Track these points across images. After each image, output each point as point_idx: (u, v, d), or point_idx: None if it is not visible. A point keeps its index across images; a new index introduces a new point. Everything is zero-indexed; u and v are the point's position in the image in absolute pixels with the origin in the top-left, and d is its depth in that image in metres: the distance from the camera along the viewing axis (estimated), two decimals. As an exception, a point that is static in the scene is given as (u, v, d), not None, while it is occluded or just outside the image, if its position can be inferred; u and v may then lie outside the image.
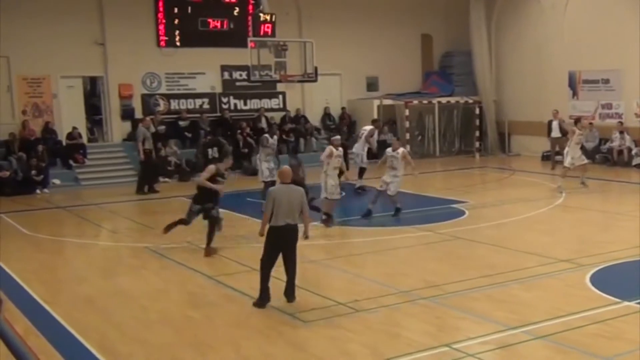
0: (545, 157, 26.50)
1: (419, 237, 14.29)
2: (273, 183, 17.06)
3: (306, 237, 10.25)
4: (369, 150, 20.56)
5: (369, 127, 20.75)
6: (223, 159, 14.67)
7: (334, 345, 8.37)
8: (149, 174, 21.83)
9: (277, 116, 27.92)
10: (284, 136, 27.25)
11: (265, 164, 17.94)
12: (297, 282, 10.02)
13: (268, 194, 10.08)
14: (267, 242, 9.87)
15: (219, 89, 27.24)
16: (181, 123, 26.01)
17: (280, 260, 9.93)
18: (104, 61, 25.12)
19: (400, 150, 16.28)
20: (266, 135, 18.98)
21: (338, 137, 16.61)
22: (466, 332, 8.70)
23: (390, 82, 29.78)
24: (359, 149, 20.19)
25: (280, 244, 9.82)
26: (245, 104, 27.67)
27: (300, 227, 10.10)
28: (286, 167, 10.49)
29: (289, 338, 8.72)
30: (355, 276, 11.65)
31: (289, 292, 9.96)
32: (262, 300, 9.84)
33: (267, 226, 9.88)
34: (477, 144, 29.77)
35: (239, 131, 25.99)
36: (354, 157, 20.47)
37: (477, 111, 29.78)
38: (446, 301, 9.91)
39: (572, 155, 19.28)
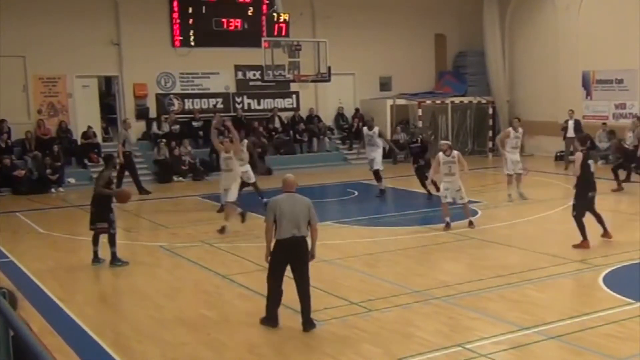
0: (559, 157, 26.41)
1: (432, 237, 14.30)
2: (244, 185, 17.22)
3: (312, 256, 9.11)
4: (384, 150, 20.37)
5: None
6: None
7: (347, 344, 8.40)
8: (133, 175, 21.81)
9: (290, 116, 28.01)
10: (297, 135, 27.36)
11: (240, 168, 17.80)
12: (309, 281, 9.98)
13: (269, 205, 9.13)
14: (272, 257, 8.96)
15: (232, 89, 27.33)
16: (195, 123, 26.11)
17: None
18: (119, 61, 25.27)
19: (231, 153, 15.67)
20: (245, 139, 18.55)
21: (445, 141, 15.93)
22: (479, 332, 8.70)
23: (403, 82, 29.77)
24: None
25: (287, 258, 8.89)
26: (258, 103, 27.76)
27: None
28: (289, 176, 9.42)
29: (303, 337, 8.75)
30: (368, 276, 11.68)
31: (305, 320, 8.96)
32: (270, 321, 9.06)
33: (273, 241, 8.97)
34: (490, 144, 29.72)
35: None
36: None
37: (490, 111, 29.77)
38: (459, 301, 9.92)
39: (511, 159, 17.99)
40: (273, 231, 8.91)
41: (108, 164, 13.01)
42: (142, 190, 21.31)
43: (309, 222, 8.96)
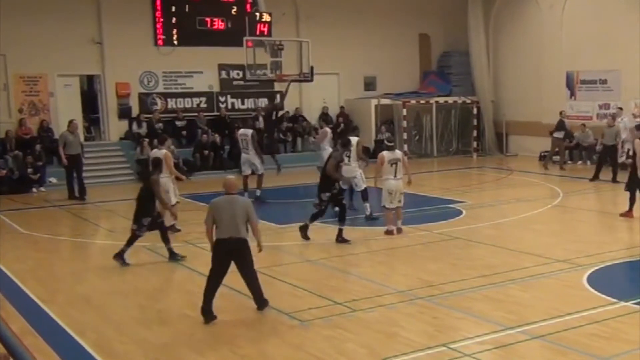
0: (543, 157, 26.46)
1: (417, 237, 14.28)
2: None
3: (259, 249, 9.55)
4: None
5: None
6: None
7: (331, 344, 8.36)
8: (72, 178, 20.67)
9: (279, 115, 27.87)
10: (281, 135, 27.30)
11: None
12: (293, 281, 9.98)
13: (209, 206, 9.49)
14: (212, 255, 9.36)
15: (216, 88, 27.22)
16: (178, 123, 25.98)
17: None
18: (101, 60, 25.08)
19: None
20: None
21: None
22: (463, 332, 8.69)
23: (388, 82, 29.75)
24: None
25: (227, 257, 9.29)
26: (242, 103, 27.66)
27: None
28: (231, 177, 9.69)
29: (287, 337, 8.71)
30: (352, 276, 11.64)
31: (259, 303, 9.57)
32: (204, 311, 9.29)
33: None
34: (474, 144, 29.78)
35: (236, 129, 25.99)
36: None
37: (475, 111, 29.80)
38: (443, 301, 9.91)
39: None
40: (213, 231, 9.33)
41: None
42: (72, 196, 20.37)
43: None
